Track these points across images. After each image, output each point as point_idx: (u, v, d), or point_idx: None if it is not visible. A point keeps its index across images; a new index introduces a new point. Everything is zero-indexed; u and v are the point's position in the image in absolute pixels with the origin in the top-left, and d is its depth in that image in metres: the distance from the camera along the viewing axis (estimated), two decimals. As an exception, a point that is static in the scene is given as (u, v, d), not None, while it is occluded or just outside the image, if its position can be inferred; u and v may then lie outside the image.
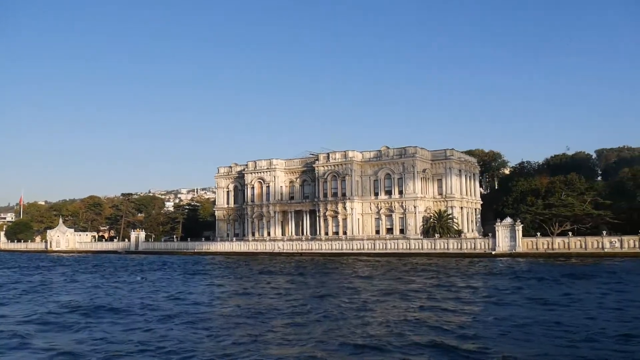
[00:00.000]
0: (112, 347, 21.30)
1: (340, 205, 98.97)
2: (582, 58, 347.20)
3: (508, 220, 79.67)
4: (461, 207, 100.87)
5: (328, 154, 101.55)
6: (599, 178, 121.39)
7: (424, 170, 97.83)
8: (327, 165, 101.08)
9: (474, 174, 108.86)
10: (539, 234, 78.67)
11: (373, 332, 23.41)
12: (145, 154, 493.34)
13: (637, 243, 72.49)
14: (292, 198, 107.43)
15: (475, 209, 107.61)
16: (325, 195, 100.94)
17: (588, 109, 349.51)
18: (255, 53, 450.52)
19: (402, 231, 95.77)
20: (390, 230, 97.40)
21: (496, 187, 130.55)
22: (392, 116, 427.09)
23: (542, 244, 77.94)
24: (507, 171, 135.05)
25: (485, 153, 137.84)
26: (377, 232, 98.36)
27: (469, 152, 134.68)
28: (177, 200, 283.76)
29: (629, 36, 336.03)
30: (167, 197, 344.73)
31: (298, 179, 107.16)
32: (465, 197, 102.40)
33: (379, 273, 53.76)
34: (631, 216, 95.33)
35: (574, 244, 76.05)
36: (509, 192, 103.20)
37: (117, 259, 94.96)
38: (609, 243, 73.93)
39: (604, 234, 75.63)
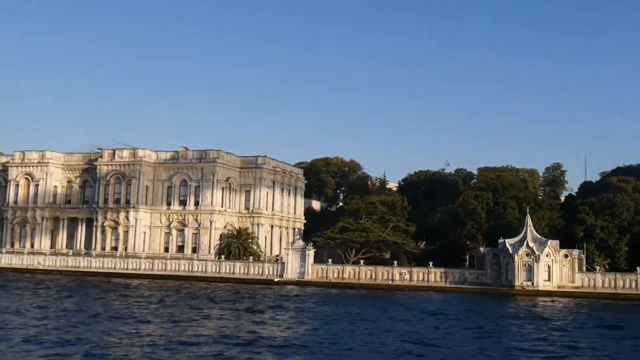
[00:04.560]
0: None
1: (122, 215, 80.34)
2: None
3: (300, 243, 66.70)
4: (272, 226, 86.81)
5: (114, 150, 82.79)
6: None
7: (227, 179, 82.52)
8: (111, 164, 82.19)
9: (296, 187, 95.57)
10: (330, 260, 66.34)
11: None
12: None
13: (425, 275, 63.63)
14: (69, 202, 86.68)
15: (295, 229, 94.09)
16: (106, 200, 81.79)
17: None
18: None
19: (194, 250, 79.42)
20: (181, 248, 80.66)
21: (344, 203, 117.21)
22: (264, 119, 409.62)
23: (332, 272, 66.47)
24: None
25: (345, 162, 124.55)
26: (167, 249, 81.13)
27: (326, 160, 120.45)
28: None
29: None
30: None
31: (78, 179, 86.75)
32: (278, 213, 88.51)
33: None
34: (453, 245, 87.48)
35: (365, 274, 65.93)
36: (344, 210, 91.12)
37: None
38: (399, 274, 64.46)
39: (395, 264, 65.85)
